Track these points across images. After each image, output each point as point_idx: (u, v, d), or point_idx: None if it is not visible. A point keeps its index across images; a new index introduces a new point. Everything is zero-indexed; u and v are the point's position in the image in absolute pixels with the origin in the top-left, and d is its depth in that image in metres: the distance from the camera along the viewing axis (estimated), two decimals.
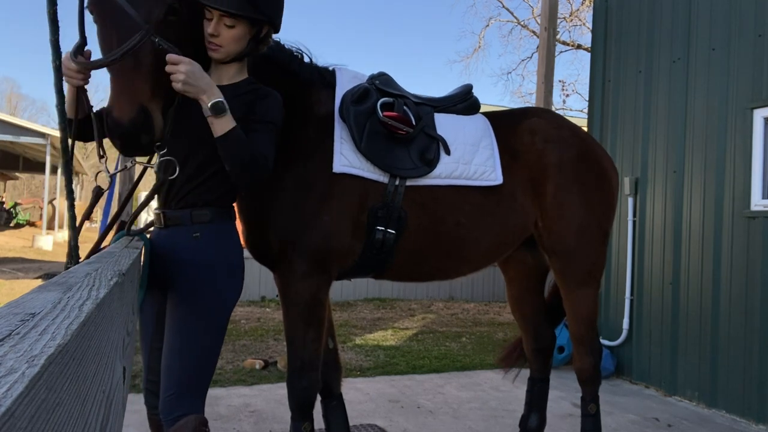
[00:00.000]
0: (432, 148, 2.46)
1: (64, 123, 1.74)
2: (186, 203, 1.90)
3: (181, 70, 1.71)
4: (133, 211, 2.23)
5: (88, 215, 1.92)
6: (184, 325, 1.85)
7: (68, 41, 1.84)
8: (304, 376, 2.31)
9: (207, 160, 1.89)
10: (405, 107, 2.45)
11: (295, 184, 2.26)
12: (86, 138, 1.93)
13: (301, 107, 2.35)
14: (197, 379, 1.87)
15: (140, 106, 1.70)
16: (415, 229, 2.42)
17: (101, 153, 1.86)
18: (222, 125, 1.77)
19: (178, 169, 1.83)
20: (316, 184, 2.28)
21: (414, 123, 2.42)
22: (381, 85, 2.50)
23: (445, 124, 2.57)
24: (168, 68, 1.73)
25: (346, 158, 2.30)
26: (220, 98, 1.76)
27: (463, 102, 2.75)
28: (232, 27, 1.86)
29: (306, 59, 2.40)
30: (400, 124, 2.37)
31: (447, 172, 2.47)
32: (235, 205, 2.09)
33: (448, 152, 2.48)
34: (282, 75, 2.31)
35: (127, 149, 1.76)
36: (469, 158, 2.51)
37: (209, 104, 1.75)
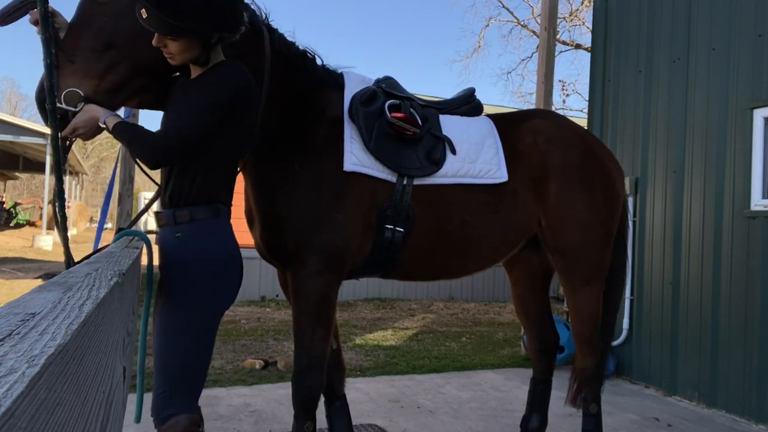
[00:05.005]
0: (438, 148, 2.50)
1: (56, 122, 1.74)
2: (170, 203, 1.91)
3: (78, 131, 1.86)
4: (134, 211, 2.24)
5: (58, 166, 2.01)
6: (169, 325, 1.84)
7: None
8: (310, 375, 2.32)
9: (188, 160, 1.87)
10: (411, 109, 2.50)
11: (308, 184, 2.30)
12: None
13: (316, 108, 2.40)
14: (186, 379, 1.85)
15: (42, 85, 1.84)
16: (422, 228, 2.45)
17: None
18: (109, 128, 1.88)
19: (80, 105, 1.87)
20: (329, 183, 2.31)
21: (420, 124, 2.46)
22: (387, 87, 2.56)
23: (450, 125, 2.61)
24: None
25: (356, 157, 2.34)
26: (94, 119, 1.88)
27: (467, 104, 2.81)
28: (175, 40, 1.83)
29: (318, 61, 2.46)
30: (407, 125, 2.42)
31: (453, 170, 2.51)
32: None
33: (453, 152, 2.52)
34: (300, 75, 2.38)
35: (41, 115, 1.90)
36: (474, 157, 2.55)
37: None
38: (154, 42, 1.82)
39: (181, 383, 1.84)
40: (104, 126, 1.85)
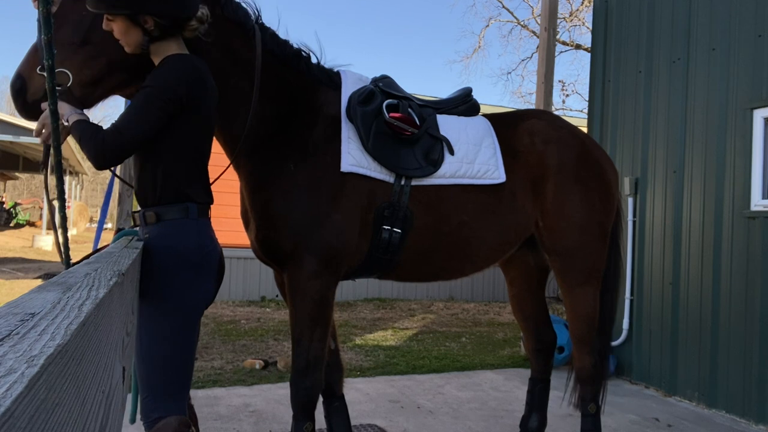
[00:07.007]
0: (436, 148, 2.49)
1: (57, 123, 1.73)
2: (139, 203, 1.90)
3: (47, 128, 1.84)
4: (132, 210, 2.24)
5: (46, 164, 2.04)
6: (146, 327, 1.81)
7: None
8: (309, 376, 2.31)
9: (147, 160, 1.85)
10: (409, 109, 2.48)
11: (305, 183, 2.29)
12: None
13: (312, 107, 2.39)
14: (168, 382, 1.82)
15: (19, 74, 1.92)
16: (420, 229, 2.44)
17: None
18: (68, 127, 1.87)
19: (70, 80, 1.89)
20: (326, 183, 2.30)
21: (419, 124, 2.45)
22: (384, 87, 2.54)
23: (447, 125, 2.61)
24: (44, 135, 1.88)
25: (353, 158, 2.33)
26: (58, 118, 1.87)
27: (464, 104, 2.80)
28: (113, 21, 1.83)
29: (313, 59, 2.45)
30: (405, 125, 2.41)
31: (451, 171, 2.50)
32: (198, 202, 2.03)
33: (452, 152, 2.52)
34: (294, 74, 2.37)
35: (15, 106, 1.96)
36: (473, 157, 2.55)
37: None
38: (103, 26, 1.84)
39: (166, 385, 1.81)
40: (66, 124, 1.82)
